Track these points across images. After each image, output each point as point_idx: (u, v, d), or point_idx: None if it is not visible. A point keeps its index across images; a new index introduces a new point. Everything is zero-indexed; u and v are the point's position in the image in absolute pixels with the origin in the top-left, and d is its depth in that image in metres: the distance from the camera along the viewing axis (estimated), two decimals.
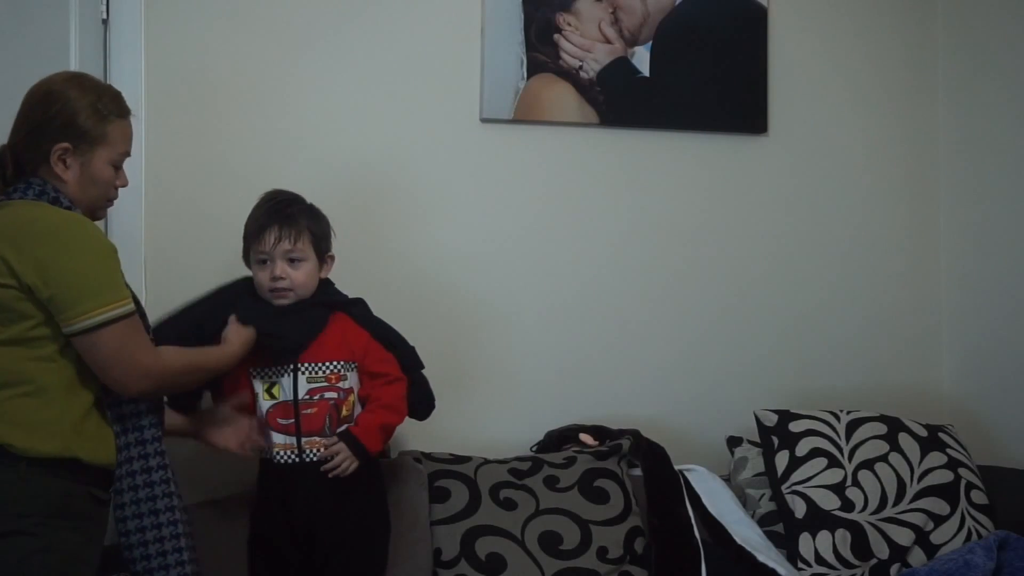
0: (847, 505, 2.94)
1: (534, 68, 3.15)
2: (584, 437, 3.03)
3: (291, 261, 2.50)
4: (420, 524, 2.67)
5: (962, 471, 3.05)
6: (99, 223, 2.35)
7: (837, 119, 3.44)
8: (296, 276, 2.50)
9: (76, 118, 2.18)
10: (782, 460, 3.00)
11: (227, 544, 2.54)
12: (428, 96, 3.11)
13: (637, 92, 3.23)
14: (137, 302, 2.22)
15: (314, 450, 2.48)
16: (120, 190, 2.31)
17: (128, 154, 2.30)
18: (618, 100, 3.22)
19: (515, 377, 3.16)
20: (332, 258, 2.60)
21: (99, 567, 2.20)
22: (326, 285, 2.60)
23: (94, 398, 2.19)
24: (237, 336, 2.45)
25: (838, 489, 2.96)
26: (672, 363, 3.29)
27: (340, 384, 2.51)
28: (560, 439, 3.05)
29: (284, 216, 2.52)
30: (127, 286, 2.19)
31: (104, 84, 2.30)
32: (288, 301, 2.51)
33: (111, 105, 2.24)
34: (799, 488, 2.95)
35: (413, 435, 2.91)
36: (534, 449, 3.05)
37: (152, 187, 2.85)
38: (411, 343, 2.65)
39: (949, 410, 3.43)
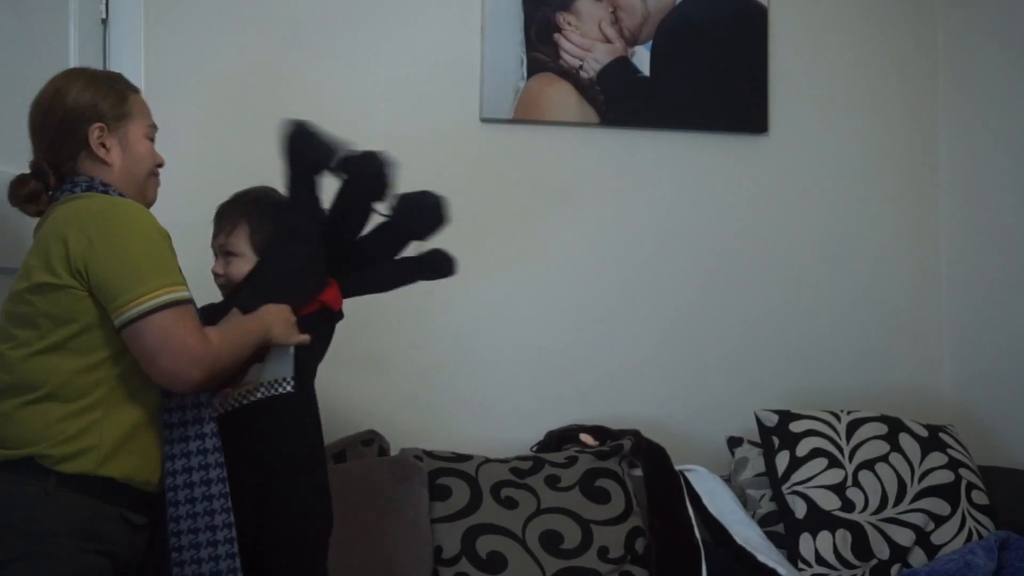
0: (847, 505, 2.93)
1: (534, 68, 3.15)
2: (584, 437, 3.02)
3: (226, 255, 2.40)
4: (421, 522, 2.67)
5: (963, 471, 3.04)
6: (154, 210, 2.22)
7: (837, 119, 3.44)
8: (229, 270, 2.39)
9: (97, 101, 2.13)
10: (783, 460, 3.00)
11: None
12: (428, 96, 3.11)
13: (637, 92, 3.23)
14: None
15: (229, 400, 2.26)
16: None
17: (155, 127, 2.24)
18: (618, 100, 3.22)
19: (515, 377, 3.16)
20: None
21: None
22: None
23: (147, 414, 2.07)
24: (279, 312, 2.25)
25: (839, 489, 2.95)
26: (673, 363, 3.28)
27: None
28: (560, 439, 3.05)
29: (223, 210, 2.44)
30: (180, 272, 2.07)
31: (103, 70, 2.24)
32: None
33: (121, 83, 2.22)
34: (799, 488, 2.95)
35: (414, 433, 2.91)
36: (534, 449, 3.04)
37: None
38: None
39: (949, 410, 3.42)
